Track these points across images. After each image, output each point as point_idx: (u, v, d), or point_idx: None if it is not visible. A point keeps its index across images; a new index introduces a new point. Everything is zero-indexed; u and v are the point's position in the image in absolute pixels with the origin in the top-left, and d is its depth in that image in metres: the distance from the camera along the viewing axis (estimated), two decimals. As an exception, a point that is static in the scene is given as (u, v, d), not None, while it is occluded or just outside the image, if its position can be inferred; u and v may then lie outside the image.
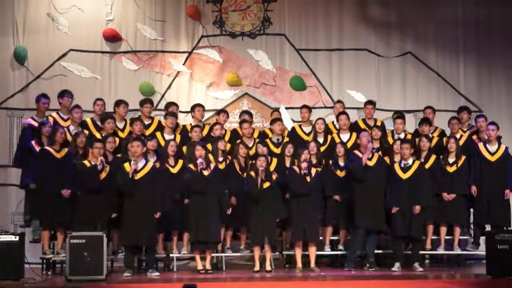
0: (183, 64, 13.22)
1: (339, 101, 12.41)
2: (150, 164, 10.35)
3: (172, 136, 11.24)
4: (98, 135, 10.97)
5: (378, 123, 11.89)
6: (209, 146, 10.91)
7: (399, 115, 12.00)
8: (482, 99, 13.43)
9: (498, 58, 13.55)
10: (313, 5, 13.50)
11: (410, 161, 10.73)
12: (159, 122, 11.60)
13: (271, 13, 13.45)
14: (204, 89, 13.21)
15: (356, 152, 10.90)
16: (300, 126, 11.93)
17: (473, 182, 11.10)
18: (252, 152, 11.22)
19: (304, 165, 10.49)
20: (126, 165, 10.24)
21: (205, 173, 10.41)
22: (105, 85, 12.94)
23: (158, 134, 11.19)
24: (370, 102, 12.07)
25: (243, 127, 11.50)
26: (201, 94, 13.16)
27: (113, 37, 13.06)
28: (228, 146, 11.20)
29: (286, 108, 12.79)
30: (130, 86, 12.96)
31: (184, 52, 13.25)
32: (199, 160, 10.35)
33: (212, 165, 10.52)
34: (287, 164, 10.97)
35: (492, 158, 11.14)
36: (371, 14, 13.58)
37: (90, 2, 13.12)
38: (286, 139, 11.54)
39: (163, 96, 13.03)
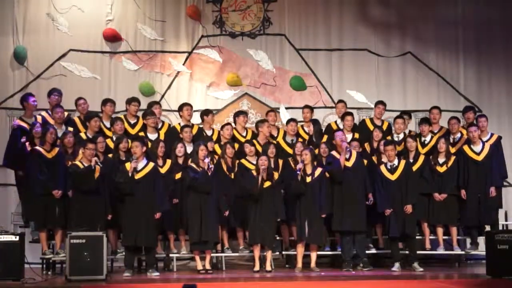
0: (183, 64, 13.21)
1: (341, 101, 12.40)
2: (151, 165, 10.35)
3: (155, 135, 11.27)
4: (83, 134, 10.99)
5: (385, 125, 11.90)
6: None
7: (399, 114, 12.00)
8: (482, 99, 13.41)
9: (498, 58, 13.53)
10: (313, 5, 13.48)
11: (395, 162, 10.74)
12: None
13: (271, 13, 13.44)
14: (204, 89, 13.20)
15: (333, 153, 10.86)
16: (302, 126, 11.95)
17: (462, 184, 11.12)
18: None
19: (299, 166, 10.49)
20: (127, 164, 10.25)
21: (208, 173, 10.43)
22: (105, 85, 12.92)
23: (142, 133, 11.20)
24: (381, 102, 12.05)
25: (265, 126, 11.48)
26: (201, 94, 13.16)
27: (113, 37, 13.05)
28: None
29: (286, 108, 12.80)
30: (130, 86, 12.94)
31: (184, 52, 13.23)
32: (206, 160, 10.36)
33: (212, 166, 10.53)
34: (272, 164, 10.93)
35: (478, 158, 11.17)
36: (371, 14, 13.57)
37: (90, 2, 13.10)
38: (301, 140, 11.56)
39: (163, 96, 13.02)
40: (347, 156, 10.75)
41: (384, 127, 11.85)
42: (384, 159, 10.90)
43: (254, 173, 10.54)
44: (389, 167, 10.74)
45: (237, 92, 13.23)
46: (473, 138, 11.18)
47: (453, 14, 13.58)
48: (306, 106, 12.14)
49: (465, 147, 11.25)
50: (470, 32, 13.56)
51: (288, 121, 11.82)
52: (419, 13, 13.53)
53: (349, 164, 10.76)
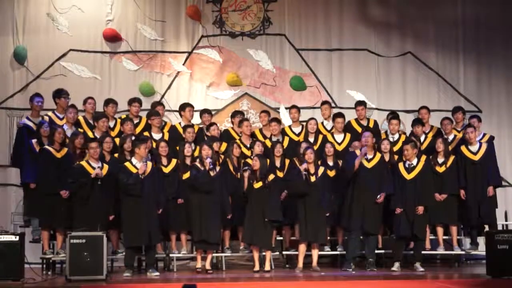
0: (183, 64, 13.21)
1: (325, 102, 12.30)
2: (150, 164, 10.36)
3: (160, 135, 11.29)
4: (90, 134, 11.00)
5: (371, 123, 11.90)
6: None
7: (394, 115, 12.00)
8: (482, 99, 13.42)
9: (498, 58, 13.55)
10: (313, 5, 13.49)
11: (414, 162, 10.73)
12: (147, 121, 11.58)
13: (271, 13, 13.44)
14: (204, 89, 13.21)
15: (356, 149, 10.83)
16: (289, 126, 11.92)
17: (460, 184, 11.11)
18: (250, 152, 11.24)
19: (304, 166, 10.48)
20: (127, 164, 10.23)
21: (211, 173, 10.41)
22: (105, 85, 12.93)
23: (146, 133, 11.21)
24: (360, 103, 12.05)
25: (244, 125, 11.47)
26: (201, 94, 13.16)
27: (113, 37, 13.05)
28: (225, 145, 11.23)
29: (286, 108, 12.78)
30: (130, 86, 12.94)
31: (184, 52, 13.24)
32: (208, 160, 10.35)
33: (218, 167, 10.53)
34: (277, 164, 10.93)
35: (475, 158, 11.17)
36: (371, 14, 13.57)
37: (90, 2, 13.10)
38: (287, 139, 11.54)
39: (163, 96, 13.02)
40: (370, 156, 10.73)
41: (371, 125, 11.85)
42: (386, 158, 10.89)
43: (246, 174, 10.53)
44: (407, 166, 10.72)
45: (237, 92, 13.23)
46: (470, 139, 11.18)
47: (453, 14, 13.59)
48: (293, 106, 12.00)
49: (463, 148, 11.25)
50: (470, 32, 13.57)
51: (271, 121, 11.72)
52: (419, 13, 13.54)
53: (369, 165, 10.73)
